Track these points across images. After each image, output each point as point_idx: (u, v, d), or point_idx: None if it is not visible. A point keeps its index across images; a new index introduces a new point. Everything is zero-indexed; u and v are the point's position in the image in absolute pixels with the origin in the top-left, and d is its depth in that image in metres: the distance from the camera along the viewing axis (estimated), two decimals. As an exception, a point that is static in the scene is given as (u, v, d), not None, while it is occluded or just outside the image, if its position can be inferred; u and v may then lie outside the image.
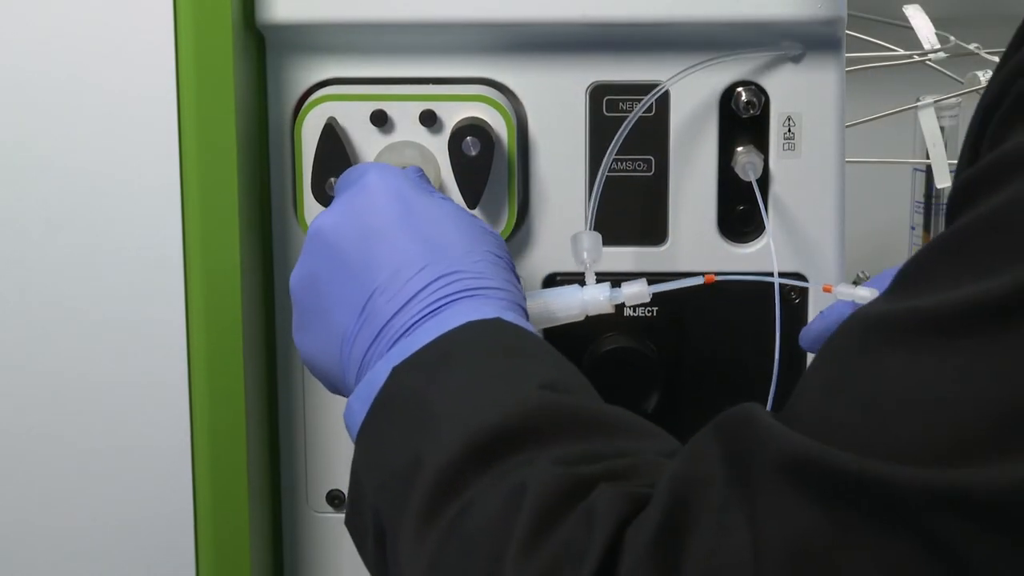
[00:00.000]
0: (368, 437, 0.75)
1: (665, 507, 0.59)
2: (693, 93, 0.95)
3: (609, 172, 0.95)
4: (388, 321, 0.78)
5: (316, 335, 0.83)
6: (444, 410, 0.70)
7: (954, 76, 1.44)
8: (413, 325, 0.77)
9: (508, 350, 0.74)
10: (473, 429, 0.67)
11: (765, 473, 0.57)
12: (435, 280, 0.79)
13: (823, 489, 0.55)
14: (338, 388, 0.83)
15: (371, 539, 0.72)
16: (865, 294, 0.87)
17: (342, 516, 1.00)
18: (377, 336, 0.79)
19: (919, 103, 1.36)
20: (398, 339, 0.77)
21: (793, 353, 0.95)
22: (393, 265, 0.80)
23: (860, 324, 0.59)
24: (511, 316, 0.77)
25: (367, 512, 0.72)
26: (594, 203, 0.93)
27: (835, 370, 0.59)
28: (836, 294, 0.88)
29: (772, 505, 0.56)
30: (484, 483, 0.65)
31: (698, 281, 0.88)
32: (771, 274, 0.92)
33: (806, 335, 0.94)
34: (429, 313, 0.78)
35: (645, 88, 0.94)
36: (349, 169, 0.88)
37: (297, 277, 0.84)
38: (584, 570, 0.59)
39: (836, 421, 0.57)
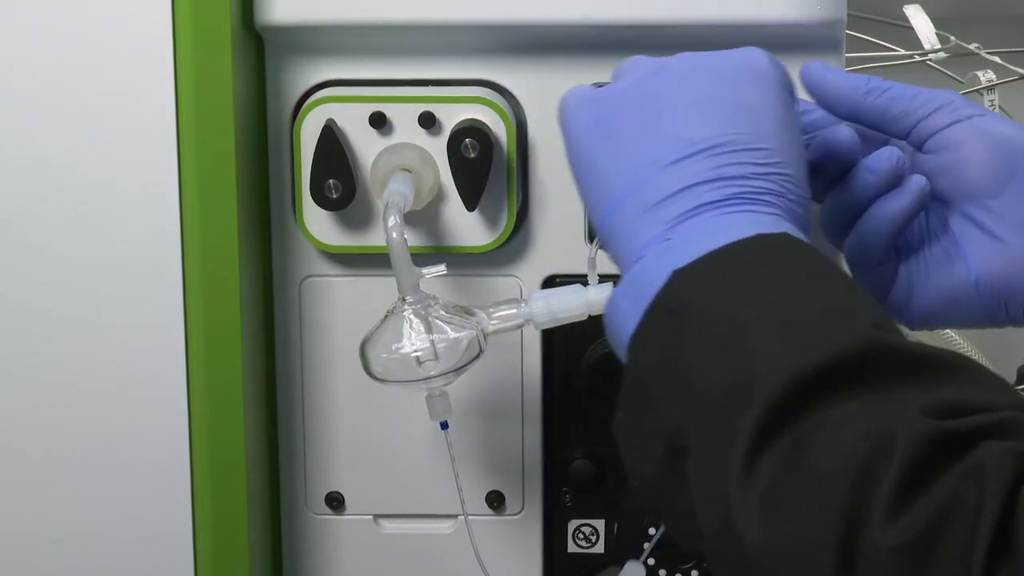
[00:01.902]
0: (657, 344, 0.70)
1: None
2: (693, 95, 0.95)
3: (609, 174, 0.94)
4: (658, 204, 0.74)
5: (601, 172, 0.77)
6: (766, 335, 0.67)
7: (954, 76, 1.44)
8: (685, 219, 0.74)
9: (818, 274, 0.71)
10: (810, 361, 0.64)
11: None
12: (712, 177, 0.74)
13: None
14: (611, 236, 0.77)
15: (659, 453, 0.69)
16: None
17: (341, 518, 1.01)
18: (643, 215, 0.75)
19: (919, 103, 1.35)
20: (668, 231, 0.74)
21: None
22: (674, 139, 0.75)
23: None
24: (792, 229, 0.74)
25: (658, 424, 0.69)
26: (594, 205, 0.92)
27: None
28: None
29: None
30: (832, 417, 0.63)
31: None
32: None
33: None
34: (701, 211, 0.74)
35: (645, 90, 0.94)
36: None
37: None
38: (980, 529, 0.58)
39: None
